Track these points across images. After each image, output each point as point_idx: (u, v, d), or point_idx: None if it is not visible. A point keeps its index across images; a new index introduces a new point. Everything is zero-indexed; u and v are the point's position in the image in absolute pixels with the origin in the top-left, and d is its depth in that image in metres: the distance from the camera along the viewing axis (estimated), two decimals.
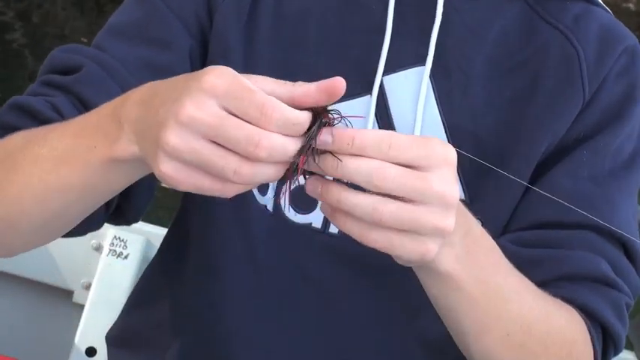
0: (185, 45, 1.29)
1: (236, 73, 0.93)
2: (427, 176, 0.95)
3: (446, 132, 1.30)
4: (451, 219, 0.97)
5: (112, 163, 1.04)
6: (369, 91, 1.30)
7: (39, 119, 1.21)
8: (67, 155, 1.08)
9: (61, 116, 1.21)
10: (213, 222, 1.34)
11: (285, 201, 1.30)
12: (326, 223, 1.31)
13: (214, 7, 1.30)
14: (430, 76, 1.29)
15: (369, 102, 1.29)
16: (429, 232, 0.97)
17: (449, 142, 1.27)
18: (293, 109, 0.92)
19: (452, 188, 0.96)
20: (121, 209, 1.26)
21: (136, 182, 1.12)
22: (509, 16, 1.33)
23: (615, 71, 1.31)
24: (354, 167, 0.94)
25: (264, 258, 1.32)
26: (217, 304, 1.34)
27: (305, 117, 0.93)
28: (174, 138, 0.92)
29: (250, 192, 1.31)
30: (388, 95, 1.30)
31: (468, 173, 1.29)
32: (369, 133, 0.94)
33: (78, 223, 1.19)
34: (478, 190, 1.30)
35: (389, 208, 0.95)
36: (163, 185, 1.04)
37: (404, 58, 1.30)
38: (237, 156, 0.92)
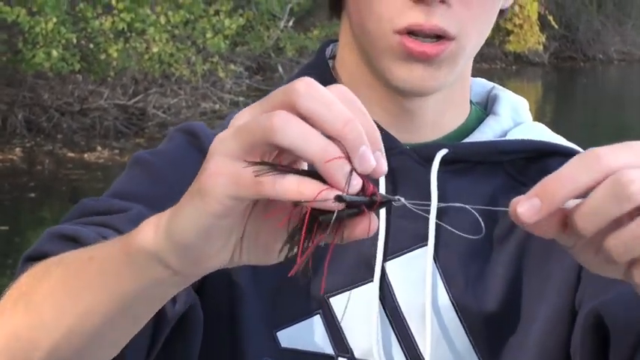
0: None
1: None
2: None
3: (457, 314, 1.27)
4: None
5: (141, 256, 0.93)
6: (373, 277, 1.27)
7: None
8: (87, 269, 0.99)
9: None
10: None
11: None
12: None
13: None
14: (434, 258, 1.27)
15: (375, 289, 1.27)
16: None
17: (461, 324, 1.26)
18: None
19: None
20: None
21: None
22: (494, 184, 1.32)
23: None
24: None
25: None
26: None
27: None
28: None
29: None
30: (392, 280, 1.28)
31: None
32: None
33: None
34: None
35: None
36: None
37: (403, 240, 1.28)
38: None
